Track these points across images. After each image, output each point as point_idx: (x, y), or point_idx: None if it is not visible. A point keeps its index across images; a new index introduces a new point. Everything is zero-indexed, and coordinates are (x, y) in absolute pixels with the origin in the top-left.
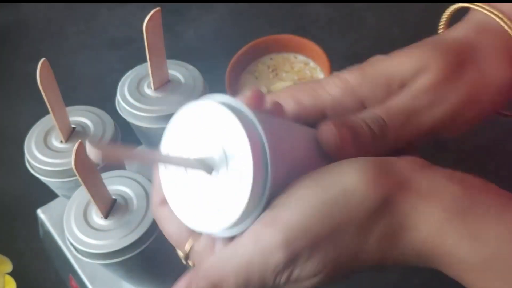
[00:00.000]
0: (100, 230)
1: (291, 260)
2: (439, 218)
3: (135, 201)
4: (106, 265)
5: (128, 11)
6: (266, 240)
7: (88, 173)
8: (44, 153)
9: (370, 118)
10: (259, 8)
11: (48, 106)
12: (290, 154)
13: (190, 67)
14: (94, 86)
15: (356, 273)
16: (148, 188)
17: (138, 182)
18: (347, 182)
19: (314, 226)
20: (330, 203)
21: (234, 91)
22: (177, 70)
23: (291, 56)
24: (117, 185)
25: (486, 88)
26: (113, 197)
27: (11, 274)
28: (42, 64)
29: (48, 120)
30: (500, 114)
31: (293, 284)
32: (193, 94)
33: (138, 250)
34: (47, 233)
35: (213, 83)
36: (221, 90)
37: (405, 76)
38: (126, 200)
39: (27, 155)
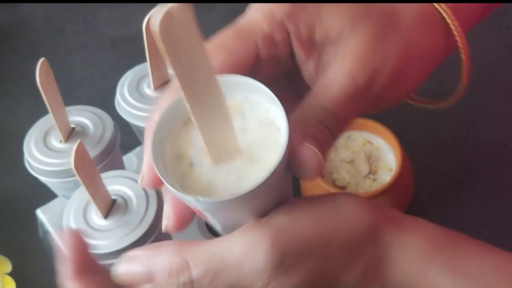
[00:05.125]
0: (100, 230)
1: (274, 261)
2: (421, 250)
3: (134, 201)
4: (105, 266)
5: (128, 11)
6: (253, 233)
7: (87, 173)
8: (44, 153)
9: (327, 118)
10: None
11: (48, 106)
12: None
13: None
14: (93, 86)
15: None
16: (147, 188)
17: (137, 182)
18: (341, 205)
19: (304, 233)
20: (323, 217)
21: None
22: None
23: None
24: (116, 185)
25: (409, 59)
26: (113, 197)
27: (10, 274)
28: (41, 63)
29: (48, 120)
30: (411, 98)
31: None
32: None
33: None
34: (47, 233)
35: None
36: None
37: (331, 29)
38: (125, 200)
39: (26, 155)
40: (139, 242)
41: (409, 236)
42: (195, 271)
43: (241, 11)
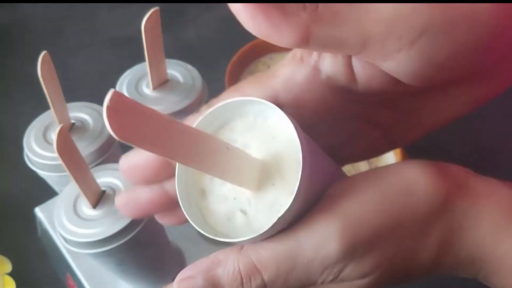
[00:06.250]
0: (89, 220)
1: (345, 254)
2: (495, 219)
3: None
4: (95, 256)
5: (128, 11)
6: (321, 227)
7: (72, 157)
8: (43, 147)
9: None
10: None
11: (48, 99)
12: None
13: (189, 66)
14: (93, 86)
15: (404, 282)
16: None
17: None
18: (409, 179)
19: (375, 219)
20: (392, 198)
21: None
22: (176, 70)
23: None
24: (106, 177)
25: None
26: (102, 188)
27: (10, 274)
28: (43, 57)
29: (48, 116)
30: None
31: (339, 285)
32: (191, 94)
33: (126, 238)
34: (45, 232)
35: (213, 83)
36: (221, 90)
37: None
38: (114, 191)
39: (26, 149)
40: (126, 230)
41: (482, 204)
42: (267, 274)
43: None
